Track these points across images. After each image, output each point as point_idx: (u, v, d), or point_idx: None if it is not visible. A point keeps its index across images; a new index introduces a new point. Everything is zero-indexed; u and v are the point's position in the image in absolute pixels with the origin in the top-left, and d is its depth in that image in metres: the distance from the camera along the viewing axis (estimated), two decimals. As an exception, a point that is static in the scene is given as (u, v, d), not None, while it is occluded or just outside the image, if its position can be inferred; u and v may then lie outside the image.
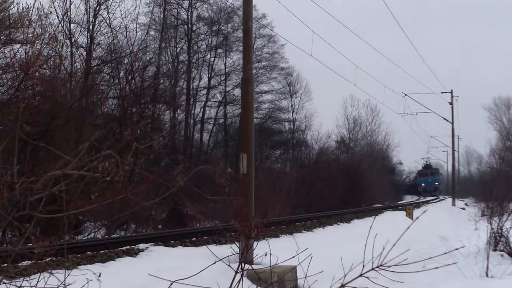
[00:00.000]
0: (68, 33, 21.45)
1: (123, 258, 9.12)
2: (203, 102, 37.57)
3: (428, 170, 75.99)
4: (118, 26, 23.89)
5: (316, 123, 67.60)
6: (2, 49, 16.14)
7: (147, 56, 26.39)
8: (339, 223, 19.38)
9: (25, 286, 3.79)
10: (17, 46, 16.15)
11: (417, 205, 33.98)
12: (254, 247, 4.73)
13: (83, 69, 22.05)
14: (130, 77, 21.87)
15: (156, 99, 23.14)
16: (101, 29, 23.24)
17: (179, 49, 35.43)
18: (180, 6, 35.86)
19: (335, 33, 35.31)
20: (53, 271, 4.09)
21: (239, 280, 3.48)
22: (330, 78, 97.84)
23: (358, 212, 25.15)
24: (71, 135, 16.52)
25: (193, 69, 36.02)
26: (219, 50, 38.45)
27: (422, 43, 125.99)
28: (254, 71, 24.86)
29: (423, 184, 75.21)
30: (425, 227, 20.33)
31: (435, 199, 56.45)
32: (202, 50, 37.31)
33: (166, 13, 33.91)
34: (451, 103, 48.08)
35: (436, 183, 75.32)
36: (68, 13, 21.03)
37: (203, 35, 37.39)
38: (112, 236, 15.49)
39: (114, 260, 8.87)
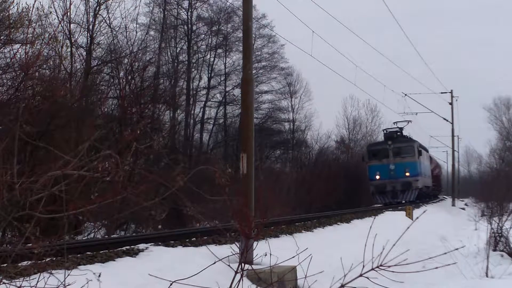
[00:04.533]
0: (68, 33, 21.47)
1: (123, 258, 9.12)
2: (203, 102, 37.64)
3: (391, 145, 36.78)
4: (118, 26, 23.93)
5: (316, 123, 67.63)
6: (2, 49, 16.15)
7: (147, 56, 26.38)
8: (339, 223, 19.38)
9: (25, 286, 3.79)
10: (17, 46, 16.17)
11: (417, 205, 34.00)
12: (254, 247, 4.73)
13: (83, 69, 22.07)
14: (130, 77, 21.89)
15: (156, 99, 23.16)
16: (101, 29, 23.28)
17: (179, 49, 35.50)
18: (180, 6, 35.92)
19: (335, 33, 35.30)
20: (53, 271, 4.10)
21: (239, 280, 3.48)
22: (330, 78, 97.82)
23: (358, 212, 25.15)
24: (71, 135, 16.54)
25: (193, 69, 36.08)
26: (219, 50, 38.53)
27: (422, 43, 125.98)
28: (254, 71, 24.86)
29: (377, 176, 36.49)
30: (425, 227, 20.33)
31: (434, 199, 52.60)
32: (202, 50, 37.40)
33: (166, 13, 33.95)
34: (451, 103, 48.15)
35: (407, 174, 35.84)
36: (68, 13, 21.06)
37: (203, 35, 37.47)
38: (112, 236, 15.48)
39: (114, 260, 8.86)
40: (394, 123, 40.55)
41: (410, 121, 40.40)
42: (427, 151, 43.36)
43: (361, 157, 41.86)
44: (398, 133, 38.96)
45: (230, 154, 37.85)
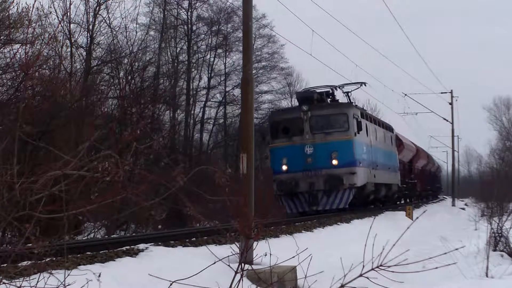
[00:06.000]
0: (68, 33, 21.51)
1: (123, 258, 9.11)
2: (203, 102, 37.65)
3: (307, 112, 20.62)
4: (118, 26, 24.00)
5: (316, 123, 67.45)
6: (2, 49, 16.16)
7: (147, 56, 26.47)
8: (339, 223, 19.36)
9: (25, 286, 3.79)
10: (17, 46, 16.20)
11: (417, 205, 33.97)
12: (254, 247, 4.74)
13: (83, 69, 22.11)
14: (130, 77, 21.92)
15: (156, 99, 23.18)
16: (101, 29, 23.34)
17: (179, 49, 35.51)
18: (180, 6, 35.93)
19: (335, 33, 35.30)
20: (53, 271, 4.10)
21: (239, 280, 3.48)
22: (330, 78, 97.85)
23: (358, 212, 25.12)
24: (71, 135, 16.53)
25: (193, 69, 36.10)
26: (219, 50, 38.53)
27: (422, 43, 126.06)
28: (254, 71, 24.79)
29: (284, 166, 21.16)
30: (425, 227, 20.34)
31: (435, 199, 53.22)
32: (202, 50, 37.41)
33: (166, 13, 33.97)
34: (451, 103, 48.15)
35: (335, 162, 20.30)
36: (68, 13, 21.11)
37: (203, 35, 37.47)
38: (112, 236, 15.49)
39: (114, 260, 8.86)
40: (339, 86, 23.84)
41: (364, 83, 24.58)
42: (390, 129, 27.69)
43: None
44: (330, 94, 23.13)
45: (230, 154, 37.86)
